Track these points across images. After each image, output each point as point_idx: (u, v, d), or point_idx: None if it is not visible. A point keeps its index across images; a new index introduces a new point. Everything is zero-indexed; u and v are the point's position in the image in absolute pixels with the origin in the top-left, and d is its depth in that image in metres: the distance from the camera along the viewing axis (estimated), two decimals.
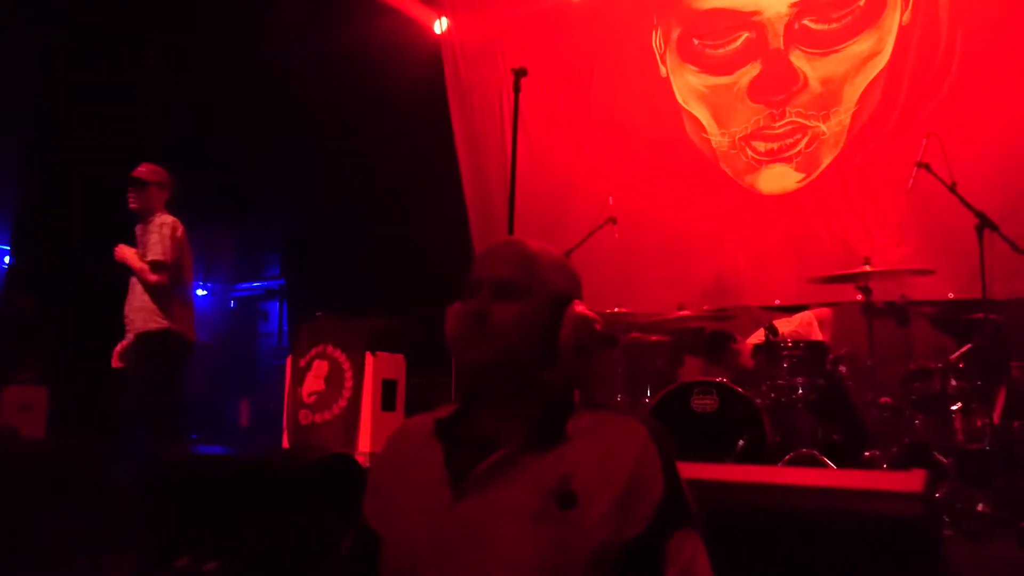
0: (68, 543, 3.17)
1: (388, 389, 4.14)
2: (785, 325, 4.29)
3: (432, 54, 6.18)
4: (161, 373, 3.85)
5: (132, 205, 3.93)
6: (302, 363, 4.25)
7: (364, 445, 3.97)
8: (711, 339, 4.44)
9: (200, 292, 7.81)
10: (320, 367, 4.18)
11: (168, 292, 3.85)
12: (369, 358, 4.09)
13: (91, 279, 5.45)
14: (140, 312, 3.85)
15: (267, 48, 6.33)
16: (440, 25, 6.20)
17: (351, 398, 4.05)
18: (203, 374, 7.19)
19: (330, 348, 4.18)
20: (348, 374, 4.10)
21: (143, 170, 4.02)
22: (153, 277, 3.82)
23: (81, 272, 5.42)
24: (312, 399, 4.14)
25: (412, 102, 6.03)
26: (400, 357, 4.29)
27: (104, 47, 5.81)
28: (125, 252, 3.90)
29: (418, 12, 6.15)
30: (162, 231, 3.89)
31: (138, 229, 3.99)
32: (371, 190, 6.17)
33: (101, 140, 5.68)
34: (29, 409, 4.60)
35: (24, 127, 5.89)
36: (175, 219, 3.93)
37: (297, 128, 6.49)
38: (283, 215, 7.03)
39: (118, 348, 3.91)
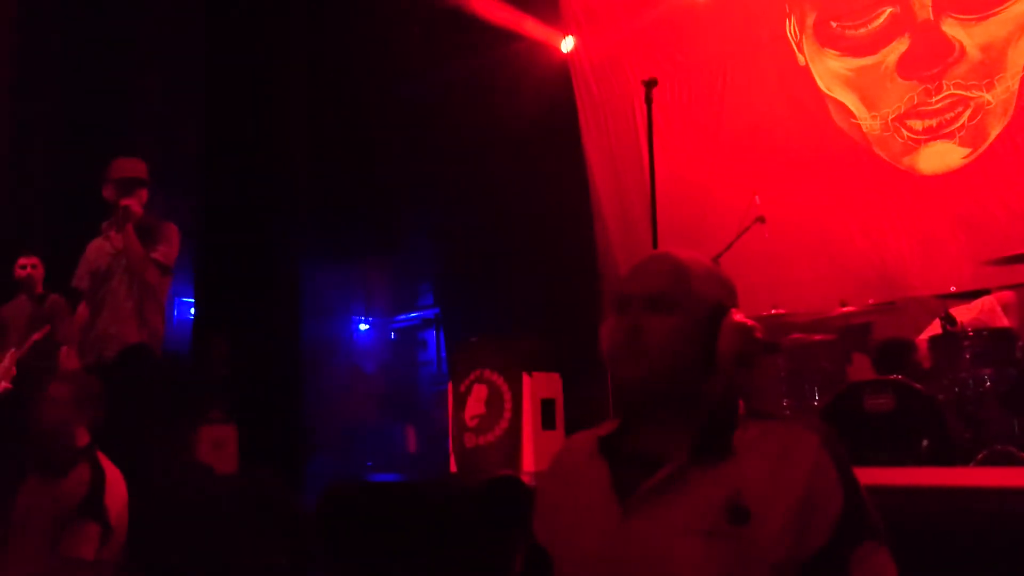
0: (263, 570, 3.41)
1: (547, 408, 4.17)
2: (964, 313, 3.96)
3: (561, 74, 6.25)
4: (152, 397, 3.50)
5: (138, 210, 3.47)
6: (462, 388, 4.36)
7: (528, 465, 4.02)
8: (884, 349, 4.14)
9: (363, 327, 8.22)
10: (480, 391, 4.28)
11: (157, 303, 3.56)
12: (526, 379, 4.15)
13: (259, 325, 5.90)
14: (122, 324, 3.48)
15: (404, 81, 6.63)
16: (567, 44, 6.26)
17: (512, 419, 4.12)
18: (372, 403, 7.56)
19: (487, 372, 4.27)
20: (507, 396, 4.17)
21: (141, 167, 3.58)
22: (156, 277, 3.51)
23: (251, 318, 5.86)
24: (475, 422, 4.25)
25: (546, 123, 6.12)
26: (556, 376, 4.32)
27: (255, 99, 6.26)
28: (132, 235, 3.41)
29: (545, 34, 6.25)
30: (172, 239, 3.60)
31: (114, 233, 3.55)
32: (512, 213, 6.28)
33: (259, 187, 6.13)
34: (221, 446, 4.95)
35: (195, 184, 6.44)
36: None
37: (434, 158, 6.73)
38: (431, 245, 7.29)
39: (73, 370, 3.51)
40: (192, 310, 6.85)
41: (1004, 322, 3.96)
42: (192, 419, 4.73)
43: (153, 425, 3.52)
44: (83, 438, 2.76)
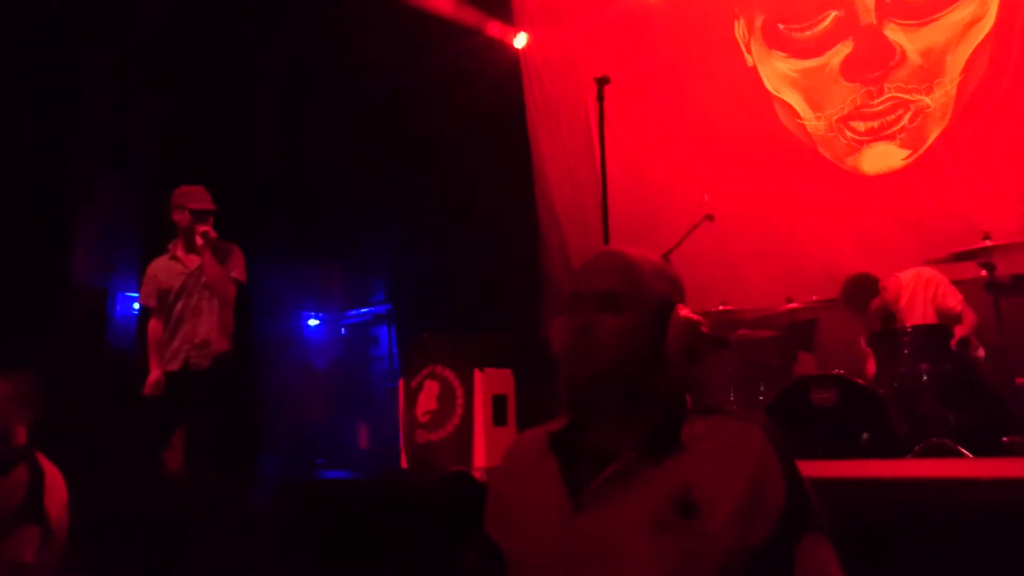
0: (210, 569, 3.35)
1: (499, 404, 4.17)
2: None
3: (513, 72, 6.26)
4: (236, 399, 4.02)
5: (215, 235, 3.94)
6: (413, 384, 4.34)
7: (479, 461, 4.02)
8: (854, 285, 4.20)
9: (313, 322, 8.12)
10: (431, 387, 4.26)
11: (232, 315, 3.98)
12: (477, 375, 4.14)
13: None
14: (213, 332, 3.92)
15: (356, 79, 6.56)
16: (520, 40, 6.27)
17: (463, 415, 4.11)
18: (322, 400, 7.47)
19: (439, 368, 4.26)
20: (459, 392, 4.16)
21: (209, 197, 4.04)
22: (233, 293, 3.95)
23: None
24: (426, 418, 4.23)
25: (500, 120, 6.12)
26: (508, 372, 4.32)
27: (209, 95, 6.14)
28: (212, 258, 3.91)
29: (497, 31, 6.24)
30: (240, 258, 4.03)
31: (180, 252, 3.99)
32: (465, 209, 6.27)
33: (209, 181, 6.01)
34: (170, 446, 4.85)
35: (146, 177, 6.27)
36: None
37: (386, 154, 6.68)
38: (383, 240, 7.23)
39: (157, 377, 3.88)
40: (136, 305, 6.69)
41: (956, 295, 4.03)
42: None
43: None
44: (21, 437, 2.68)
